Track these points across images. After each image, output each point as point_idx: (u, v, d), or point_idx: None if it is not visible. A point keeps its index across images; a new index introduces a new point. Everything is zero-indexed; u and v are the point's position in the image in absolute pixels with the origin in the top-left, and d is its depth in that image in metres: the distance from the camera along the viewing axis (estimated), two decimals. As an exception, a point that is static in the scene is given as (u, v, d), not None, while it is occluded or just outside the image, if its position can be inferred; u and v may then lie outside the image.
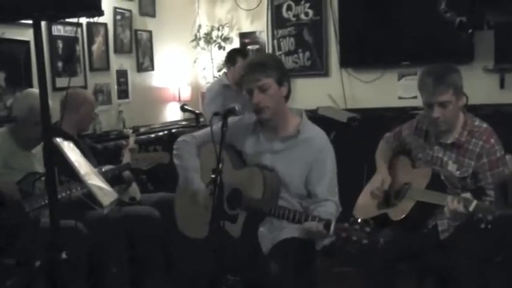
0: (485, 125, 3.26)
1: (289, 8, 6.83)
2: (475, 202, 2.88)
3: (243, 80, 3.11)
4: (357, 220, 2.65)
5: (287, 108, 3.20)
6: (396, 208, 3.31)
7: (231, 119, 3.02)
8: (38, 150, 3.67)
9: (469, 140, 3.22)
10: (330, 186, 3.12)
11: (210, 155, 3.19)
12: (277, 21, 6.90)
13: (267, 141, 3.19)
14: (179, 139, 3.43)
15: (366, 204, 3.52)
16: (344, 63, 6.57)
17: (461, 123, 3.27)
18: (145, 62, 6.52)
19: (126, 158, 4.25)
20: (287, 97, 3.17)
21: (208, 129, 3.45)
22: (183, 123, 6.79)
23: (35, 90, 4.00)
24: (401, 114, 5.52)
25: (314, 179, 3.10)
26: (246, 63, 3.18)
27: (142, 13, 6.46)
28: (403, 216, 3.21)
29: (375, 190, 3.43)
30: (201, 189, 3.19)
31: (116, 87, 6.06)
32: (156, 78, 6.73)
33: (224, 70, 6.22)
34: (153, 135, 5.93)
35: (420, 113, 3.47)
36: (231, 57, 5.81)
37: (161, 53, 6.76)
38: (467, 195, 2.98)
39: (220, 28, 7.11)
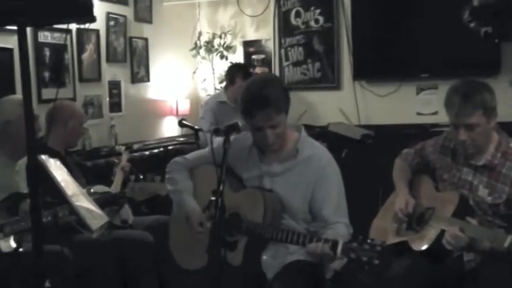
0: None
1: (297, 14, 6.84)
2: (510, 238, 2.82)
3: (249, 111, 3.00)
4: (367, 239, 2.62)
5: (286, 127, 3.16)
6: (418, 236, 3.25)
7: (220, 139, 2.95)
8: (21, 167, 3.66)
9: (503, 162, 3.15)
10: (337, 207, 3.09)
11: (205, 177, 3.21)
12: (284, 28, 6.92)
13: (265, 164, 3.17)
14: (171, 162, 3.45)
15: (382, 229, 3.47)
16: (357, 75, 6.57)
17: (495, 144, 3.20)
18: (140, 72, 6.54)
19: (118, 177, 4.24)
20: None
21: (201, 151, 3.49)
22: (181, 139, 6.79)
23: (5, 98, 3.99)
24: (420, 132, 5.52)
25: (319, 201, 3.07)
26: (254, 95, 3.01)
27: (138, 19, 6.49)
28: (426, 246, 3.17)
29: (399, 212, 3.36)
30: (195, 211, 3.21)
31: (107, 99, 6.07)
32: (152, 90, 6.74)
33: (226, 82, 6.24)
34: (147, 153, 5.92)
35: (447, 130, 3.40)
36: (230, 76, 5.88)
37: (158, 62, 6.79)
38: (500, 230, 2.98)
39: (223, 36, 7.13)
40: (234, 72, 5.93)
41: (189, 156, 3.44)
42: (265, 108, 2.96)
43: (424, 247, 3.17)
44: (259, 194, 3.06)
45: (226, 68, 6.35)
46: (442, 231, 3.10)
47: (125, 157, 4.57)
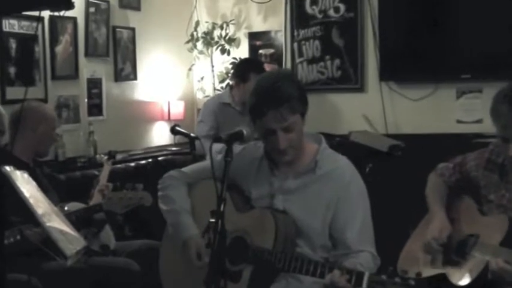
0: None
1: (314, 1, 6.84)
2: None
3: (259, 109, 3.01)
4: (396, 271, 2.62)
5: (304, 136, 3.17)
6: (459, 268, 3.25)
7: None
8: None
9: None
10: (362, 231, 3.08)
11: (205, 196, 3.18)
12: (298, 18, 6.93)
13: (278, 179, 3.17)
14: (165, 176, 3.45)
15: (415, 258, 3.47)
16: (385, 74, 6.57)
17: None
18: (125, 68, 6.55)
19: (96, 198, 4.25)
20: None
21: (201, 163, 3.51)
22: (174, 149, 6.78)
23: None
24: (460, 143, 5.50)
25: (341, 223, 3.06)
26: (266, 91, 3.04)
27: (123, 5, 6.51)
28: (469, 281, 3.15)
29: (431, 242, 3.36)
30: (194, 239, 3.20)
31: (86, 100, 6.08)
32: (140, 90, 6.76)
33: (229, 82, 6.23)
34: (133, 164, 5.93)
35: (494, 142, 3.41)
36: (243, 72, 5.78)
37: (147, 57, 6.81)
38: None
39: (224, 26, 7.14)
40: (247, 67, 5.77)
41: (187, 169, 3.44)
42: (278, 106, 2.96)
43: (467, 281, 3.15)
44: (269, 215, 3.04)
45: (233, 65, 6.34)
46: (489, 263, 3.09)
47: (107, 168, 4.56)
